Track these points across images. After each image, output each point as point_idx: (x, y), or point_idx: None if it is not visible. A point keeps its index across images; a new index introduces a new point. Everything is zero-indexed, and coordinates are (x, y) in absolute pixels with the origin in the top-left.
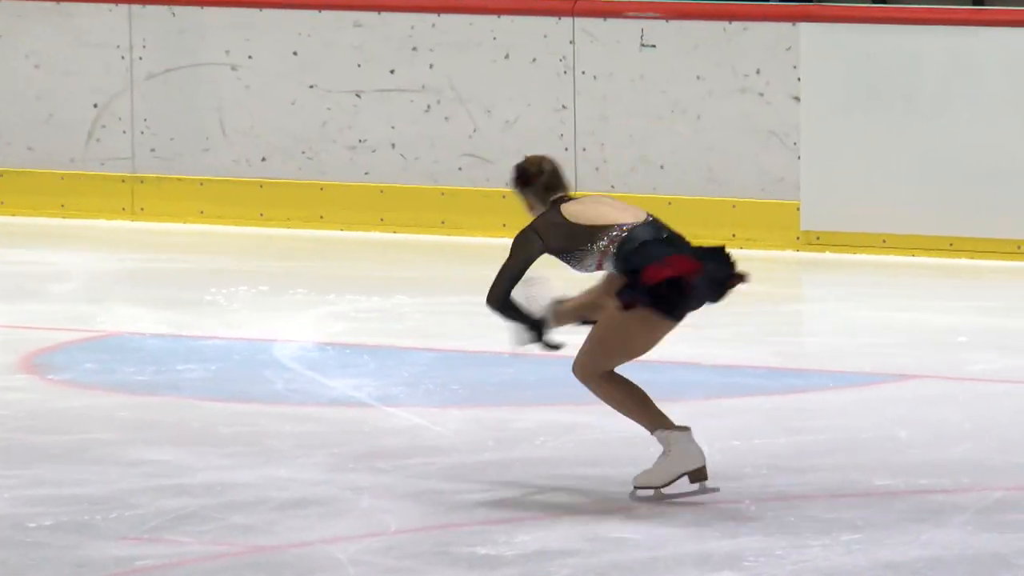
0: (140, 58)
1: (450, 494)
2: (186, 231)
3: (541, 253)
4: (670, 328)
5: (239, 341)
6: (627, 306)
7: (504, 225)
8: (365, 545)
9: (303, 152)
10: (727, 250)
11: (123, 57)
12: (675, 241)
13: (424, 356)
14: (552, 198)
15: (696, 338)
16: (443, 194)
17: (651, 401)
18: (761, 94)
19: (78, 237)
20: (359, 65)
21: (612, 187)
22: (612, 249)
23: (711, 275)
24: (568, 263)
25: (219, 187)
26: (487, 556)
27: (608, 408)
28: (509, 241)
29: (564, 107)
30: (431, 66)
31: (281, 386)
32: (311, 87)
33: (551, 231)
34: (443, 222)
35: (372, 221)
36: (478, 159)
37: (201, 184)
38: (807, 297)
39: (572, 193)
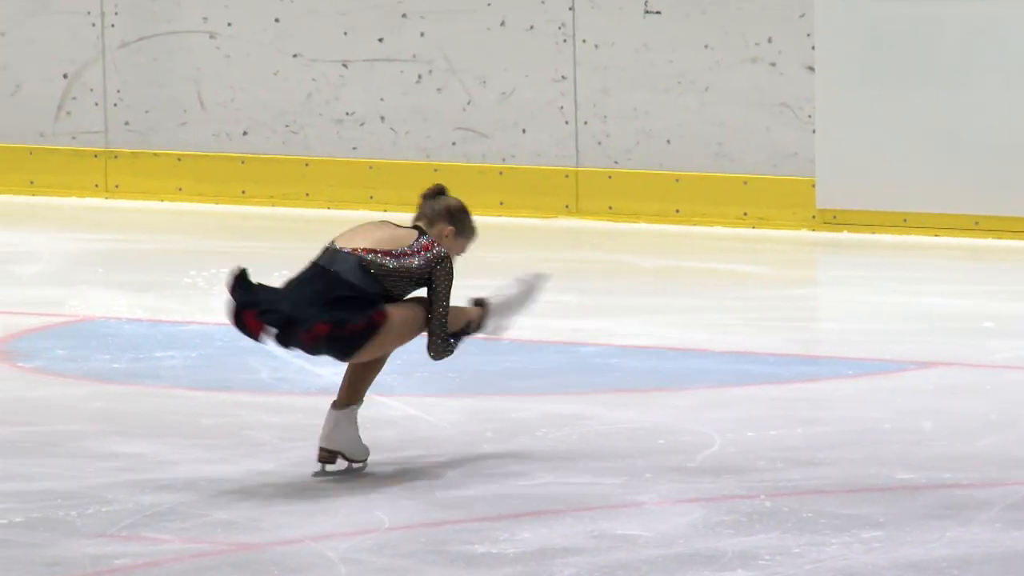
0: (112, 25)
1: (446, 489)
2: (163, 209)
3: None
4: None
5: (220, 327)
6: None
7: (501, 203)
8: (356, 543)
9: (287, 126)
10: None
11: (94, 24)
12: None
13: (418, 342)
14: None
15: (705, 324)
16: (436, 170)
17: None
18: (773, 64)
19: (48, 216)
20: (345, 33)
21: (615, 163)
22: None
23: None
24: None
25: (198, 163)
26: (486, 554)
27: (613, 399)
28: (507, 221)
29: (563, 78)
30: (422, 34)
31: (266, 374)
32: (295, 56)
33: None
34: None
35: (361, 199)
36: (473, 133)
37: (179, 160)
38: (823, 280)
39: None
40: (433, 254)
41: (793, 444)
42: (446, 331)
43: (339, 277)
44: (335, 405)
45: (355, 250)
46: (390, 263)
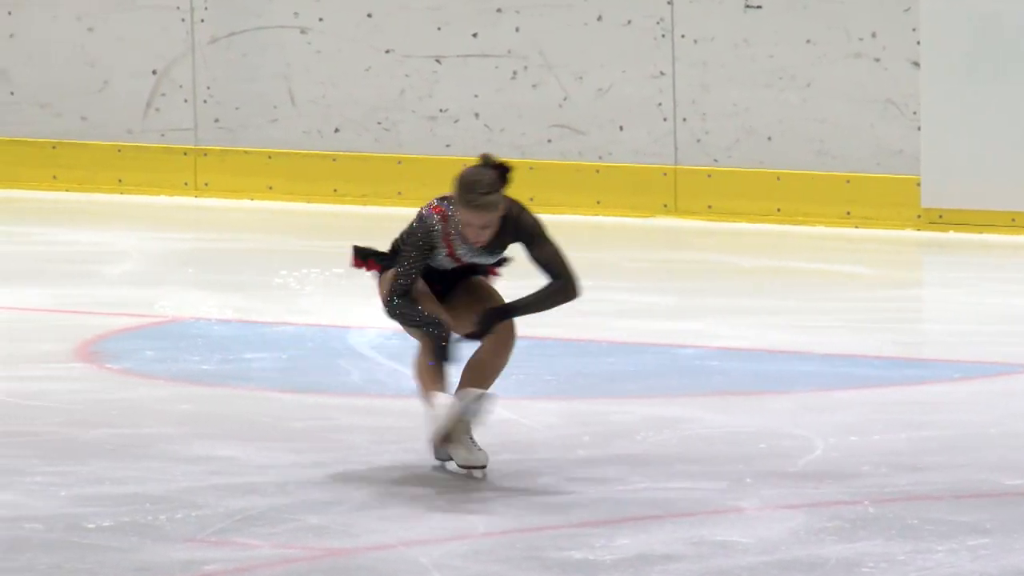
0: (202, 20)
1: (542, 493)
2: (253, 208)
3: None
4: None
5: (312, 327)
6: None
7: (598, 202)
8: (449, 548)
9: (379, 123)
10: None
11: (183, 19)
12: None
13: (520, 344)
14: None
15: (807, 326)
16: (531, 168)
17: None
18: (877, 59)
19: (136, 215)
20: (439, 28)
21: (715, 161)
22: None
23: None
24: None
25: (288, 160)
26: (583, 561)
27: (712, 402)
28: (604, 220)
29: (662, 74)
30: (517, 29)
31: (357, 376)
32: (387, 52)
33: None
34: (532, 199)
35: None
36: (569, 130)
37: (269, 157)
38: (928, 281)
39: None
40: (418, 213)
41: (898, 449)
42: (390, 295)
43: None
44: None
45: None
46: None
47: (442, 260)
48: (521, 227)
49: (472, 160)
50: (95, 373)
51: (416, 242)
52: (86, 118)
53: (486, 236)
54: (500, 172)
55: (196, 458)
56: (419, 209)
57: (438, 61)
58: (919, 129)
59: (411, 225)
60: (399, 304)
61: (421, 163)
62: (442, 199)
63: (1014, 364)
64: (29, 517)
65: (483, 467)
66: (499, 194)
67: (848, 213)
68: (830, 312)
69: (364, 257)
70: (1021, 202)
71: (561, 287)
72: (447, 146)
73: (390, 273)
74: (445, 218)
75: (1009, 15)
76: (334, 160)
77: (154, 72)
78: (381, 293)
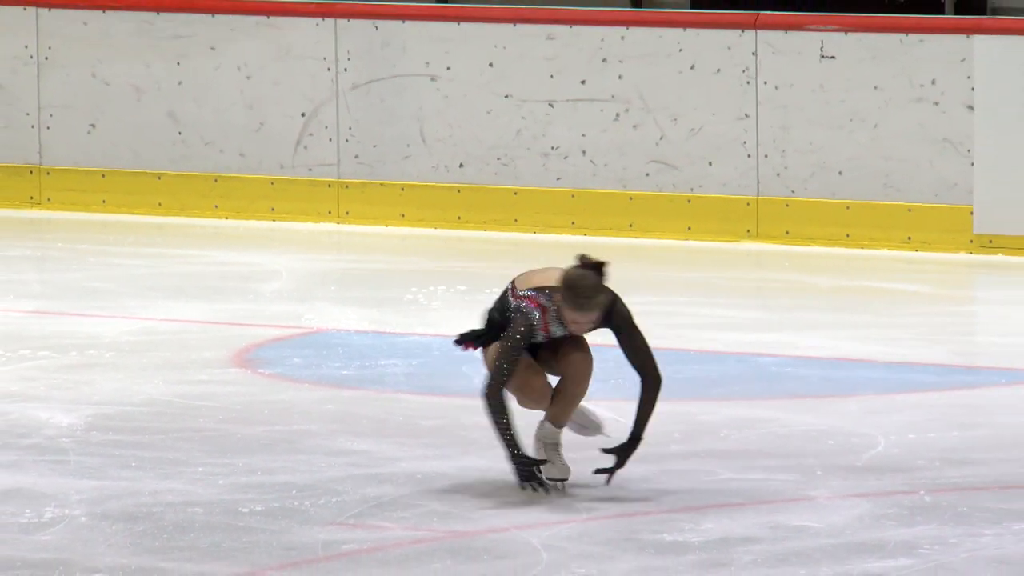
0: (345, 69)
1: (638, 483)
2: (388, 233)
3: None
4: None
5: (438, 338)
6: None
7: (689, 228)
8: (557, 531)
9: (498, 159)
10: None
11: (329, 69)
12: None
13: (613, 352)
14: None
15: (873, 337)
16: (631, 199)
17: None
18: (936, 103)
19: (287, 239)
20: (552, 76)
21: (792, 192)
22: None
23: None
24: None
25: (419, 192)
26: (673, 542)
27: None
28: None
29: (747, 116)
30: (620, 77)
31: (478, 380)
32: (506, 97)
33: None
34: (631, 225)
35: (564, 224)
36: (664, 165)
37: (402, 189)
38: (980, 298)
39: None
40: (516, 305)
41: (951, 445)
42: (493, 379)
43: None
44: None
45: (512, 289)
46: (508, 298)
47: (539, 340)
48: (616, 317)
49: (583, 191)
50: (250, 378)
51: (518, 333)
52: (244, 155)
53: (589, 328)
54: (599, 270)
55: (337, 451)
56: (517, 302)
57: (551, 105)
58: (972, 165)
59: (511, 316)
60: (494, 406)
61: (535, 194)
62: (538, 291)
63: None
64: (193, 503)
65: (564, 480)
66: (603, 293)
67: (909, 238)
68: (893, 325)
69: (463, 341)
70: None
71: (653, 385)
72: (557, 179)
73: (493, 351)
74: (545, 311)
75: None
76: (459, 191)
77: (303, 115)
78: (487, 365)
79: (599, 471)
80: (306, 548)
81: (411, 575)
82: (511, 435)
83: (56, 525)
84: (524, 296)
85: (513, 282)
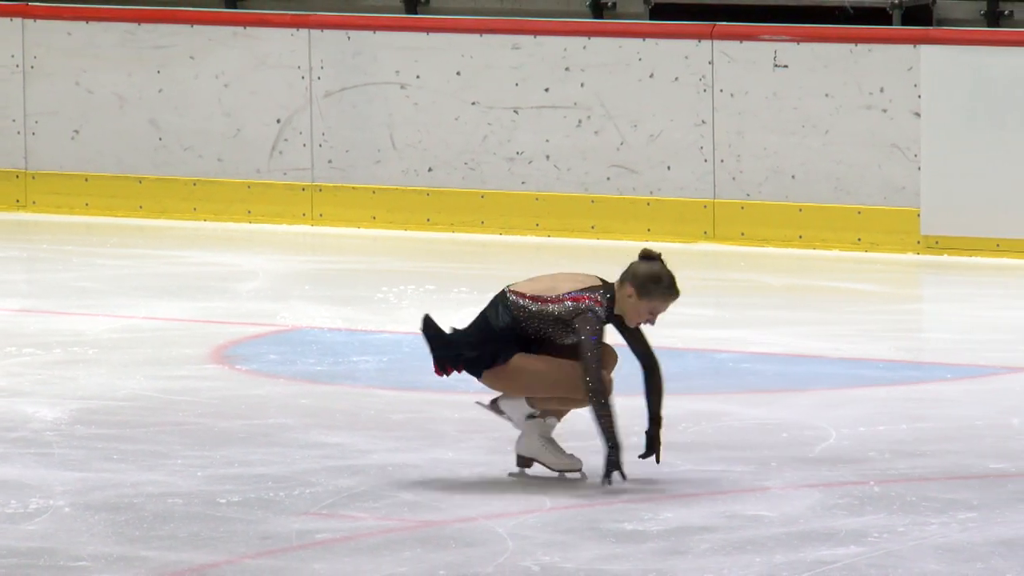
0: (319, 78)
1: (600, 475)
2: (360, 235)
3: None
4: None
5: (408, 335)
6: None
7: (648, 230)
8: (522, 521)
9: (466, 163)
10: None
11: (303, 77)
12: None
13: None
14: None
15: (825, 334)
16: (593, 201)
17: None
18: (885, 110)
19: (263, 241)
20: (517, 84)
21: (747, 195)
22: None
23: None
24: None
25: (390, 195)
26: (633, 531)
27: (745, 399)
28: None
29: (704, 122)
30: (582, 85)
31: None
32: (473, 104)
33: None
34: (593, 227)
35: (528, 226)
36: (625, 170)
37: (374, 192)
38: (927, 297)
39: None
40: (574, 306)
41: (900, 438)
42: (597, 381)
43: (484, 318)
44: (529, 416)
45: (509, 291)
46: (532, 306)
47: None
48: None
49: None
50: (228, 374)
51: (595, 333)
52: (222, 160)
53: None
54: (661, 261)
55: (312, 444)
56: (577, 302)
57: (516, 112)
58: (919, 169)
59: (584, 314)
60: (608, 405)
61: (501, 197)
62: (590, 291)
63: (1000, 367)
64: (173, 494)
65: (578, 470)
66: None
67: (859, 240)
68: (844, 323)
69: (443, 366)
70: (1005, 230)
71: (658, 368)
72: (523, 183)
73: (587, 350)
74: (608, 305)
75: (995, 73)
76: (428, 195)
77: (279, 121)
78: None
79: (644, 455)
80: (281, 537)
81: (382, 563)
82: (616, 430)
83: (41, 515)
84: (575, 297)
85: (516, 292)
